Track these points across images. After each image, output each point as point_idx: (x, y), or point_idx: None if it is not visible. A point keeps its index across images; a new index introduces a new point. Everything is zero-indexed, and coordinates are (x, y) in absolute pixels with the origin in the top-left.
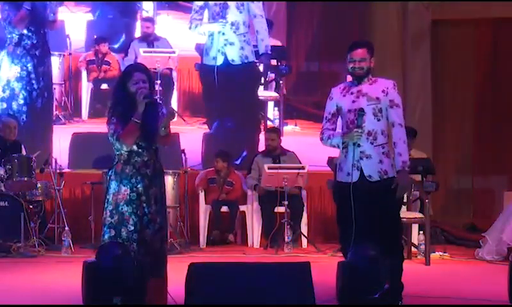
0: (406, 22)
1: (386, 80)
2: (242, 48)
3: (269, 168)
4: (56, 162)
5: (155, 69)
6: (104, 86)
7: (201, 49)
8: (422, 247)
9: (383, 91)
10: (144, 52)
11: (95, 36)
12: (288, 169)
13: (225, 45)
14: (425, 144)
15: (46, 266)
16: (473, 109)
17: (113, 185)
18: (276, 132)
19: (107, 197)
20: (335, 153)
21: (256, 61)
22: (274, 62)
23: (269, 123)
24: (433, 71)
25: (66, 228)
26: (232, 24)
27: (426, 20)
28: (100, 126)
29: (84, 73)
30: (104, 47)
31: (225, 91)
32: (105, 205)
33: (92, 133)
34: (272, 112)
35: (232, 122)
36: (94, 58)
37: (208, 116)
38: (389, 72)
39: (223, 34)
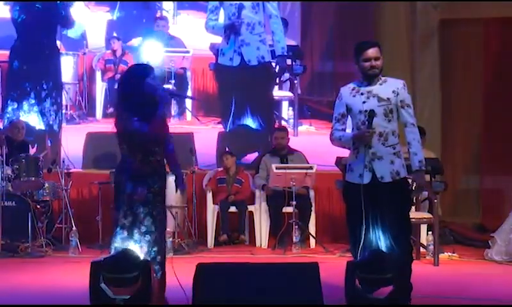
0: (414, 22)
1: (396, 80)
2: (258, 48)
3: (276, 168)
4: (63, 161)
5: (170, 68)
6: None
7: (215, 49)
8: (431, 247)
9: (394, 92)
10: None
11: (115, 34)
12: (296, 169)
13: (241, 45)
14: (434, 143)
15: (53, 266)
16: (482, 109)
17: (129, 185)
18: (284, 130)
19: (121, 197)
20: (345, 153)
21: (272, 60)
22: (288, 61)
23: (283, 122)
24: (442, 70)
25: (74, 228)
26: (248, 25)
27: (435, 19)
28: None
29: (98, 73)
30: (117, 44)
31: (240, 91)
32: (118, 205)
33: (106, 133)
34: (286, 111)
35: (247, 122)
36: (112, 57)
37: (223, 116)
38: (398, 71)
39: (239, 34)
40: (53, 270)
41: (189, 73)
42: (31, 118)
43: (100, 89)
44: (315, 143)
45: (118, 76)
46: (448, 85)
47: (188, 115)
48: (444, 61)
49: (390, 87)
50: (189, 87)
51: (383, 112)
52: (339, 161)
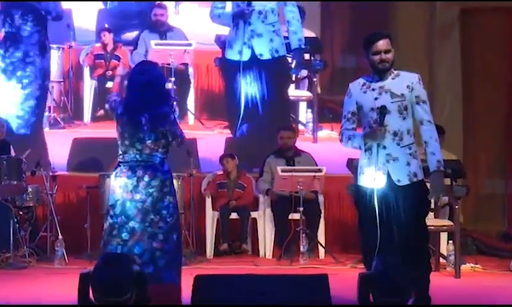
0: (433, 11)
1: (410, 74)
2: (271, 40)
3: (282, 171)
4: (48, 163)
5: (169, 64)
6: (110, 84)
7: (221, 41)
8: (452, 258)
9: (408, 87)
10: (156, 44)
11: (106, 26)
12: (304, 172)
13: (252, 37)
14: (455, 144)
15: (37, 278)
16: (507, 106)
17: (172, 187)
18: (291, 129)
19: (172, 200)
20: (357, 154)
21: (287, 55)
22: (307, 56)
23: (300, 127)
24: (463, 64)
25: (60, 237)
26: (260, 13)
27: (455, 8)
28: (105, 131)
29: (86, 70)
30: (108, 37)
31: (251, 90)
32: (171, 210)
33: (96, 139)
34: (304, 114)
35: (259, 126)
36: (102, 52)
37: (231, 119)
38: (415, 66)
39: (249, 24)
40: (37, 283)
41: (191, 70)
42: (12, 116)
43: (89, 88)
44: (337, 151)
45: (109, 73)
46: (470, 80)
47: (190, 118)
48: (466, 54)
49: (404, 82)
50: (192, 85)
51: (397, 109)
52: (351, 163)
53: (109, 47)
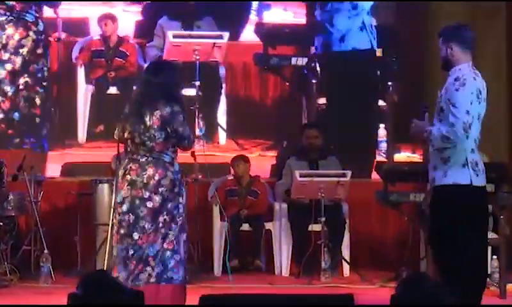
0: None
1: (457, 74)
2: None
3: (301, 176)
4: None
5: (192, 63)
6: (113, 90)
7: (264, 31)
8: (496, 275)
9: (446, 87)
10: (175, 36)
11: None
12: (326, 176)
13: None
14: (500, 145)
15: (20, 298)
16: None
17: (182, 189)
18: (317, 127)
19: (181, 201)
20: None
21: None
22: (379, 52)
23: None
24: (509, 54)
25: (46, 251)
26: None
27: None
28: (106, 153)
29: (81, 70)
30: (110, 27)
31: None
32: (181, 211)
33: (92, 165)
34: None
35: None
36: (102, 47)
37: (278, 138)
38: None
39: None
40: (20, 303)
41: (222, 70)
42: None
43: (83, 94)
44: None
45: (111, 75)
46: None
47: (221, 136)
48: None
49: (448, 80)
50: (223, 91)
51: (436, 109)
52: (379, 167)
53: (112, 41)
